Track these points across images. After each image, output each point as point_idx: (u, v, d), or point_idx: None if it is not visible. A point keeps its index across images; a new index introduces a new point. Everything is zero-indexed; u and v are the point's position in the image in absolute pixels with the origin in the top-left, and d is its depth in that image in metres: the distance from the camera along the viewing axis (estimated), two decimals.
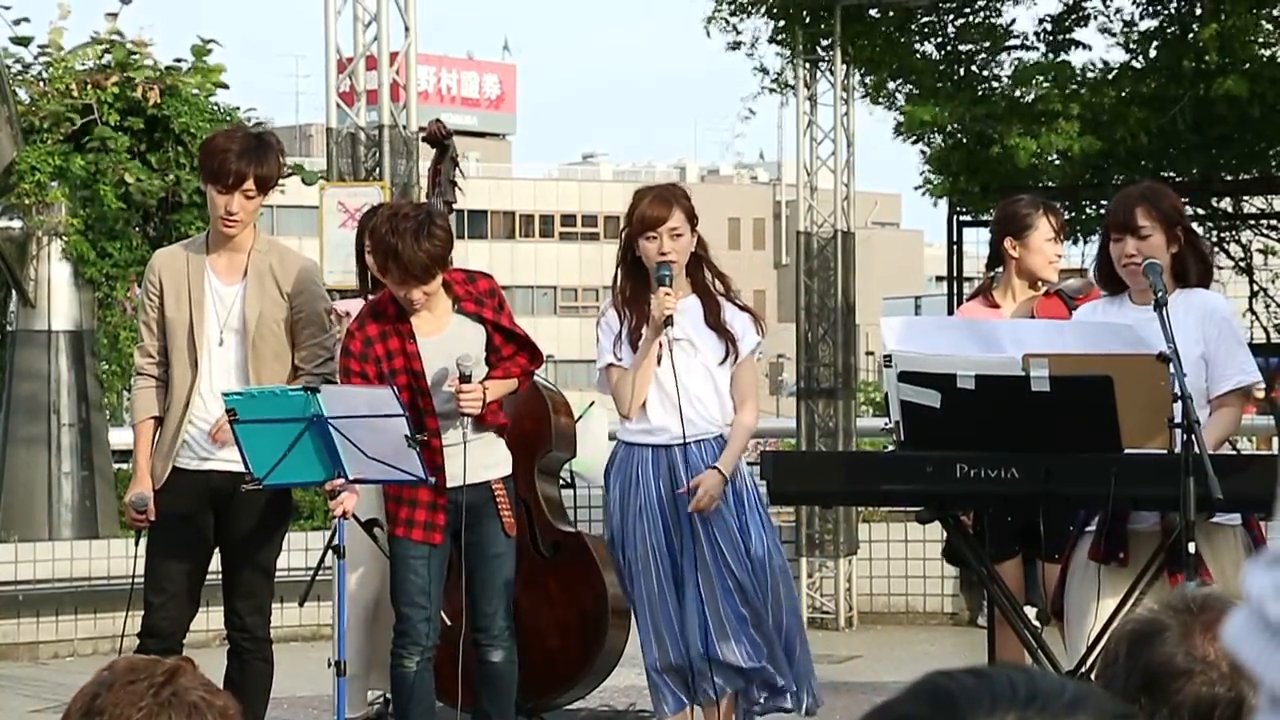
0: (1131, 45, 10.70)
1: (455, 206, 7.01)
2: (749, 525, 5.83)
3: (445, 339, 5.70)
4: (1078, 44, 10.97)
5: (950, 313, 11.30)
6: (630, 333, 5.82)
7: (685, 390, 5.74)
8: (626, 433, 5.90)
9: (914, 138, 10.98)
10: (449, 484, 5.68)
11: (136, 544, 5.96)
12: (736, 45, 10.94)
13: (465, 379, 5.60)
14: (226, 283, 5.91)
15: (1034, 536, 5.38)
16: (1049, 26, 10.92)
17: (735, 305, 5.94)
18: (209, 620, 9.54)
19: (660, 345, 5.75)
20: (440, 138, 6.79)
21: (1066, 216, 11.19)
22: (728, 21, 10.79)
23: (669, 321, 5.70)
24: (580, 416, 7.39)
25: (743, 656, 5.76)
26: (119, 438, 11.81)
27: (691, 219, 5.83)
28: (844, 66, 10.68)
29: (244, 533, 5.91)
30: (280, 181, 11.65)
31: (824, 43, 10.67)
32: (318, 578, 6.13)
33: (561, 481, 7.30)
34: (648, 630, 5.81)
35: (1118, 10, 10.77)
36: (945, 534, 6.38)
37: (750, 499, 5.86)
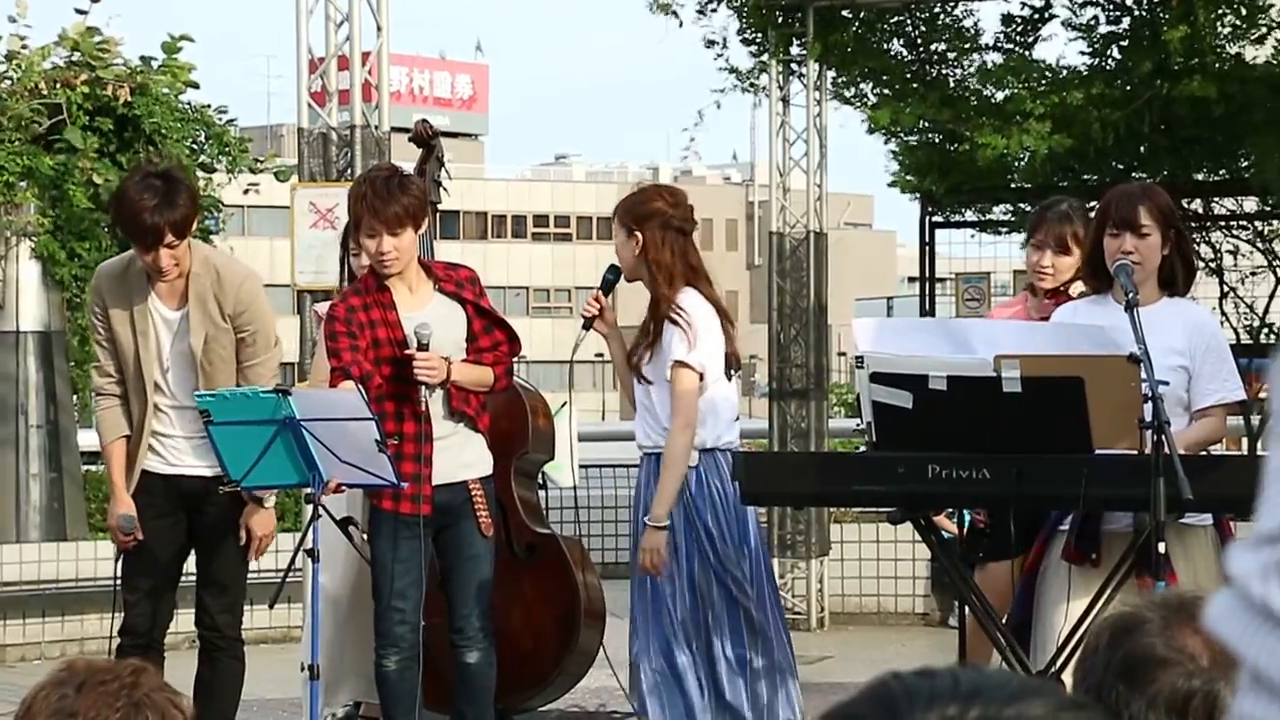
0: (1096, 45, 10.73)
1: (439, 207, 7.01)
2: (688, 543, 5.77)
3: (425, 315, 5.68)
4: (1045, 39, 11.01)
5: (922, 314, 11.32)
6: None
7: (638, 402, 5.79)
8: None
9: (886, 137, 11.01)
10: (435, 481, 5.68)
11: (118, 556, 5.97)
12: (711, 43, 10.94)
13: (422, 347, 5.58)
14: (171, 306, 5.88)
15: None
16: (1018, 27, 10.94)
17: (670, 317, 5.71)
18: (179, 622, 9.51)
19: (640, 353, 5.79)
20: (426, 138, 6.79)
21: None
22: (674, 14, 10.73)
23: (586, 325, 5.74)
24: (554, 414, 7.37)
25: (643, 678, 5.77)
26: (88, 439, 11.76)
27: (627, 223, 5.76)
28: (816, 67, 10.69)
29: (216, 532, 5.91)
30: (255, 181, 11.63)
31: (797, 43, 10.68)
32: (288, 579, 6.12)
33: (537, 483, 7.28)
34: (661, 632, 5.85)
35: (1083, 4, 10.79)
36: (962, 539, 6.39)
37: (695, 512, 5.76)
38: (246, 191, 11.34)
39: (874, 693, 1.17)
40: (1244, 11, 10.29)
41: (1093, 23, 10.79)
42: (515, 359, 5.88)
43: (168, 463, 5.90)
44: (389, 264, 5.61)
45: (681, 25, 10.81)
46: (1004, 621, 5.09)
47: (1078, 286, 5.95)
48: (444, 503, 5.71)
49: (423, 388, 5.59)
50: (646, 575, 5.75)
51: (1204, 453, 5.09)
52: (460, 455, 5.75)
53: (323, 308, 6.68)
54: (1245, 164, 10.79)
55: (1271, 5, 10.35)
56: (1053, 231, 6.01)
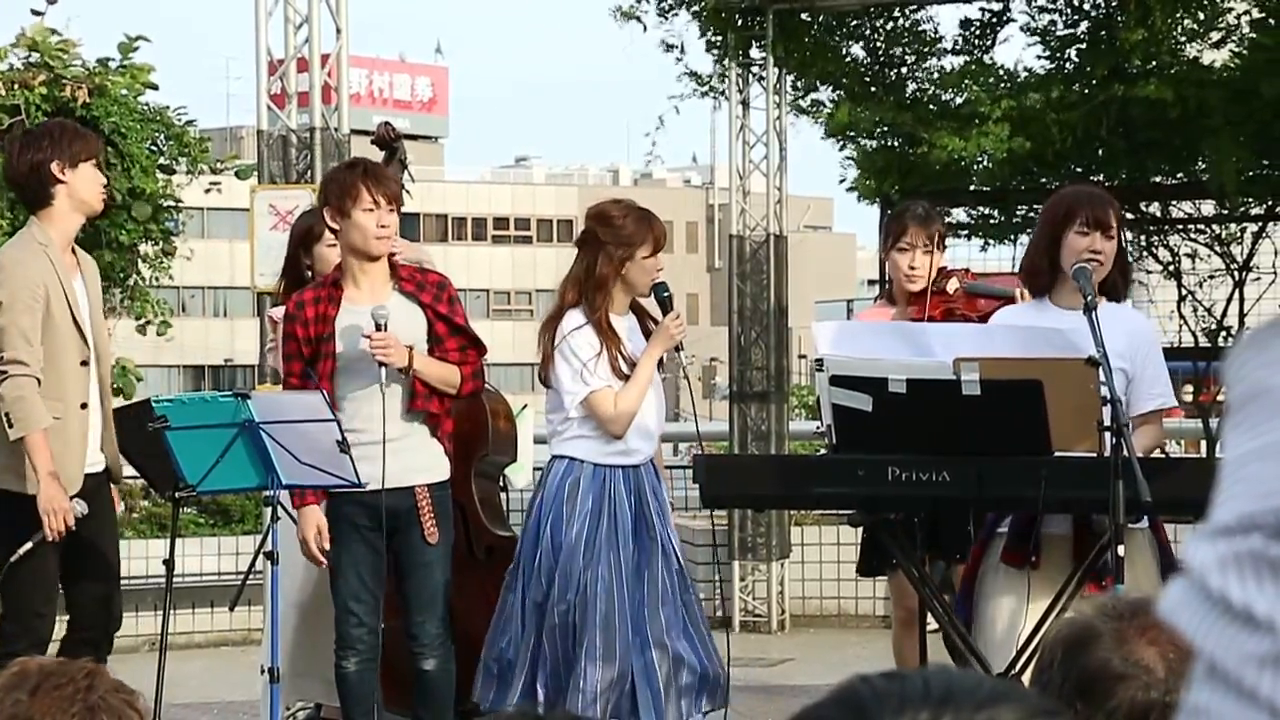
0: (1054, 48, 10.77)
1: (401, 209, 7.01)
2: (671, 534, 5.91)
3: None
4: (1004, 41, 11.05)
5: None
6: (617, 355, 5.78)
7: (653, 410, 5.80)
8: (598, 454, 5.82)
9: (841, 143, 11.02)
10: (373, 487, 5.58)
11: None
12: (670, 47, 10.95)
13: (379, 328, 5.55)
14: (74, 278, 5.87)
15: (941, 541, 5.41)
16: (976, 31, 10.97)
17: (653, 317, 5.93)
18: (138, 625, 9.47)
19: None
20: (389, 140, 6.78)
21: (998, 220, 11.33)
22: (638, 19, 10.74)
23: (679, 347, 5.72)
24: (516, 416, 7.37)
25: (696, 662, 5.79)
26: None
27: None
28: (776, 71, 10.71)
29: (105, 528, 5.90)
30: (216, 181, 11.56)
31: (756, 46, 10.70)
32: (248, 582, 6.10)
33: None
34: (610, 648, 5.74)
35: (1042, 9, 10.83)
36: (859, 550, 6.44)
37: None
38: (209, 191, 11.30)
39: (842, 697, 1.16)
40: (1201, 16, 10.34)
41: (1050, 26, 10.83)
42: (482, 362, 5.88)
43: (89, 459, 5.84)
44: (385, 239, 5.64)
45: (646, 30, 10.83)
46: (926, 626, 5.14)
47: (951, 284, 6.01)
48: (392, 507, 5.67)
49: (381, 371, 5.55)
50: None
51: (1163, 454, 5.14)
52: (412, 459, 5.70)
53: (277, 312, 6.66)
54: (1202, 167, 10.84)
55: (1230, 9, 10.40)
56: (919, 233, 6.06)
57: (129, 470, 6.20)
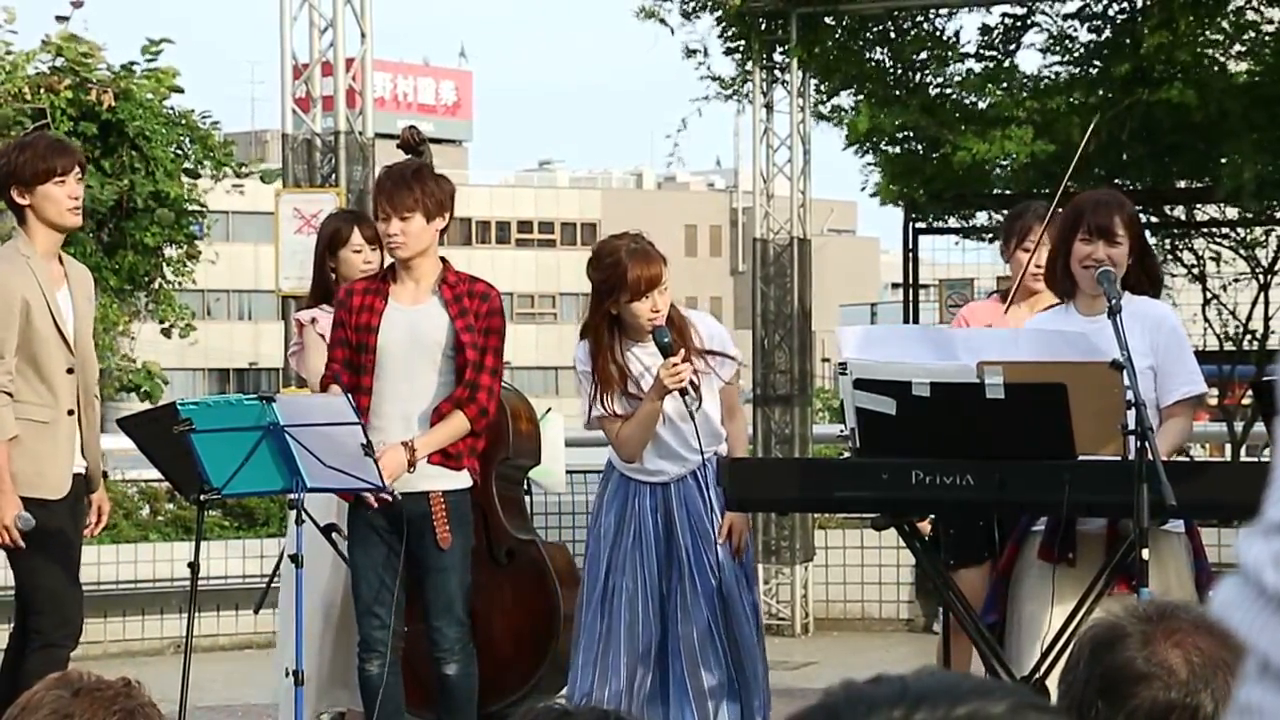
0: (1077, 55, 10.75)
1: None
2: (719, 549, 5.80)
3: (414, 314, 5.76)
4: (1027, 47, 11.04)
5: (906, 320, 11.33)
6: (601, 398, 5.74)
7: (683, 435, 5.73)
8: (622, 465, 5.86)
9: (864, 148, 11.00)
10: (396, 491, 5.65)
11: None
12: (692, 52, 10.96)
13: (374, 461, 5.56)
14: (58, 289, 5.89)
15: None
16: (999, 36, 10.95)
17: (708, 324, 5.87)
18: (163, 628, 9.50)
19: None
20: (414, 144, 6.78)
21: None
22: (661, 21, 10.75)
23: (684, 392, 5.59)
24: (540, 419, 7.36)
25: (725, 680, 5.76)
26: None
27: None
28: (800, 74, 10.71)
29: (76, 533, 5.95)
30: (239, 183, 11.58)
31: (780, 50, 10.70)
32: (274, 585, 6.11)
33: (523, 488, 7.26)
34: (633, 661, 5.74)
35: (1065, 17, 10.82)
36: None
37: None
38: (229, 192, 11.35)
39: (821, 701, 1.17)
40: (1227, 27, 10.31)
41: (1072, 31, 10.82)
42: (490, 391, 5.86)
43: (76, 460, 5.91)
44: (396, 246, 5.73)
45: (674, 33, 10.85)
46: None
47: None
48: (406, 511, 5.71)
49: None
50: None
51: (1188, 457, 5.12)
52: (422, 465, 5.73)
53: (305, 315, 6.68)
54: (1227, 171, 10.80)
55: (1256, 22, 10.36)
56: (1046, 233, 6.05)
57: (153, 473, 6.24)
